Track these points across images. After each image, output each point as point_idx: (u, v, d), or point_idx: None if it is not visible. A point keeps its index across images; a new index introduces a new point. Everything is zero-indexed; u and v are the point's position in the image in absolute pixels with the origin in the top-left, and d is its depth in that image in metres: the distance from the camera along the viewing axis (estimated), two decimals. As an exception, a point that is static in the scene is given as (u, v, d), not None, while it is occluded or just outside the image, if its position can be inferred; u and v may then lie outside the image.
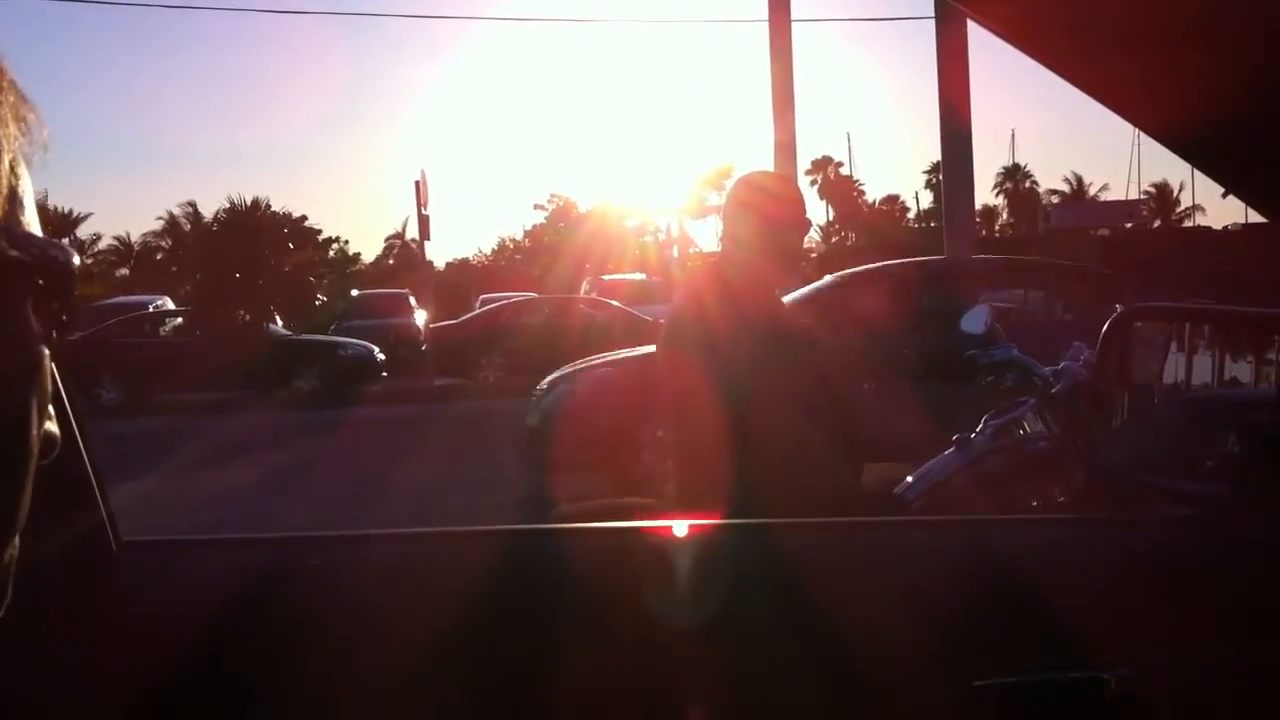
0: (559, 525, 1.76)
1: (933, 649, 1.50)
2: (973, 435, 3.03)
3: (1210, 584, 1.58)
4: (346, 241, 54.32)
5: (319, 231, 48.48)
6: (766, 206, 2.55)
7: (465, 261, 58.83)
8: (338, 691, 1.47)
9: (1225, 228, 28.43)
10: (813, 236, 58.52)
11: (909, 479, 3.20)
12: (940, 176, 19.31)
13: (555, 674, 1.49)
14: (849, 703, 1.50)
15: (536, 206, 61.00)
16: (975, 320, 3.16)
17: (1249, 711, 1.51)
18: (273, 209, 42.03)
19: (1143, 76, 1.21)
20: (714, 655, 1.50)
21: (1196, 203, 59.46)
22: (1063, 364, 2.87)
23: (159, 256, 53.75)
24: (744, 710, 1.50)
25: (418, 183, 18.07)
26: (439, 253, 69.50)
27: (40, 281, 0.56)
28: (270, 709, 1.48)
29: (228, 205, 39.07)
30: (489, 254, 61.85)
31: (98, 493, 1.52)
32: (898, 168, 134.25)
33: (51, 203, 43.66)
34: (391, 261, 55.96)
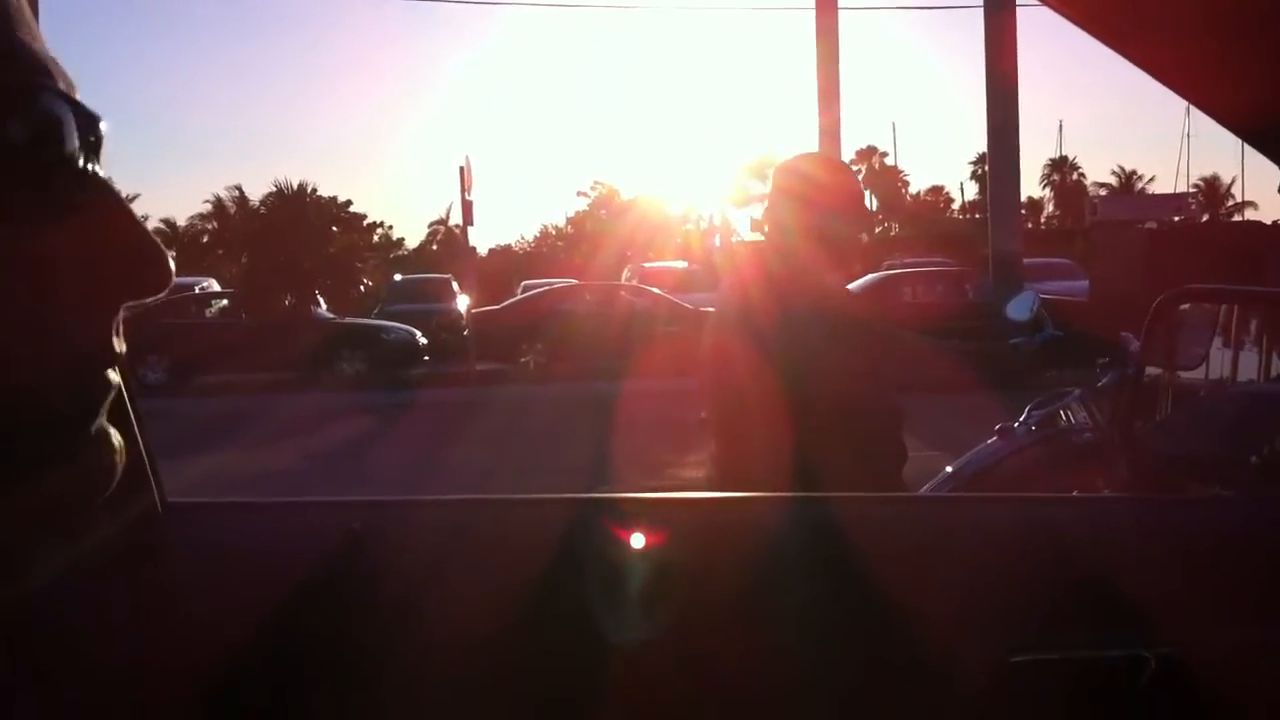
0: (601, 495, 1.76)
1: (970, 623, 1.51)
2: (1016, 425, 3.02)
3: (1253, 564, 1.57)
4: (390, 227, 54.63)
5: (364, 217, 48.88)
6: (806, 191, 2.55)
7: (508, 248, 59.04)
8: (381, 653, 1.48)
9: (1275, 222, 28.05)
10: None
11: (948, 469, 3.19)
12: (986, 167, 19.16)
13: (597, 645, 1.50)
14: (886, 673, 1.51)
15: (579, 194, 61.06)
16: (1021, 306, 3.15)
17: None
18: (319, 194, 42.39)
19: (1212, 58, 1.21)
20: (756, 623, 1.51)
21: (1247, 198, 58.74)
22: (1109, 356, 2.85)
23: (205, 240, 54.22)
24: (783, 676, 1.50)
25: (462, 168, 18.14)
26: (482, 239, 69.80)
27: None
28: (312, 670, 1.49)
29: (274, 190, 39.40)
30: (532, 241, 62.06)
31: (144, 453, 1.53)
32: (943, 158, 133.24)
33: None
34: (435, 247, 56.18)
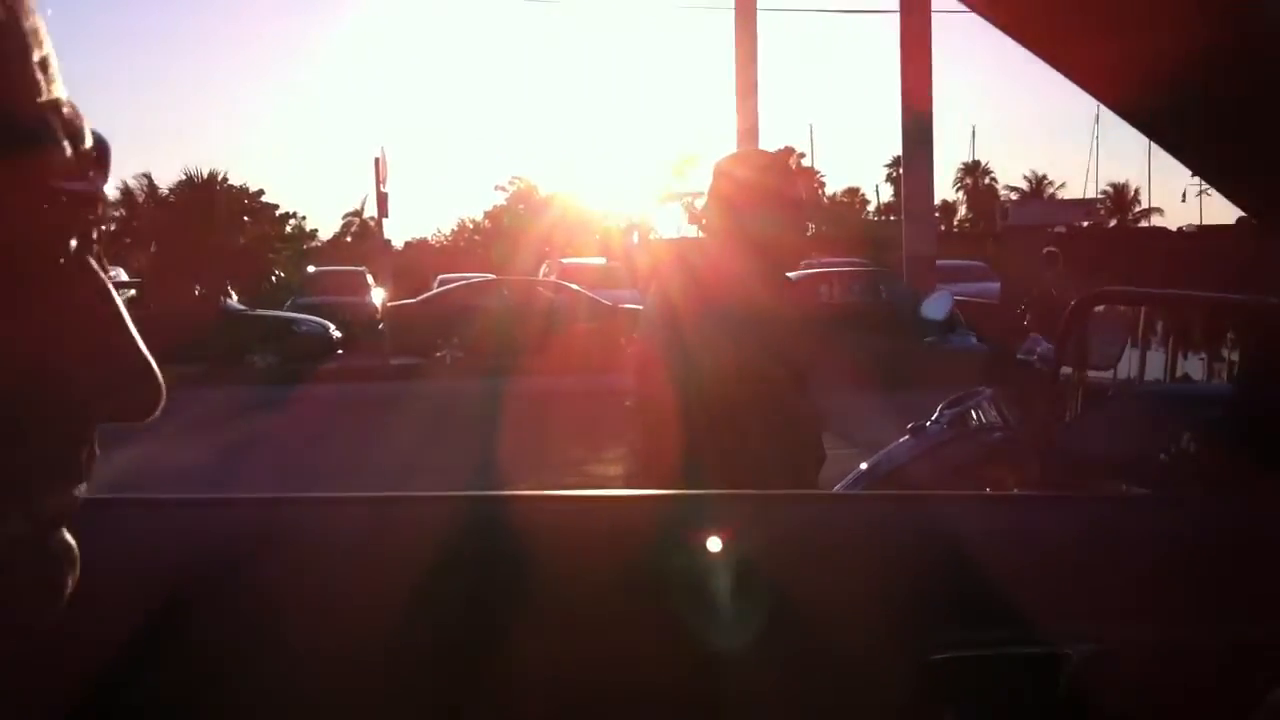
0: (517, 492, 1.74)
1: (889, 623, 1.49)
2: (928, 424, 3.04)
3: (1169, 562, 1.57)
4: (303, 217, 53.82)
5: (276, 207, 48.09)
6: (728, 192, 2.56)
7: (424, 241, 58.55)
8: (295, 652, 1.43)
9: (1179, 229, 28.79)
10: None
11: (863, 465, 3.22)
12: (901, 170, 19.41)
13: (507, 645, 1.47)
14: (803, 674, 1.49)
15: (497, 188, 60.74)
16: (937, 307, 3.19)
17: (1206, 689, 1.51)
18: (230, 183, 41.66)
19: (1121, 57, 1.22)
20: (661, 627, 1.47)
21: (1154, 204, 60.19)
22: (1018, 357, 2.89)
23: (113, 228, 53.00)
24: (693, 681, 1.48)
25: (377, 160, 17.96)
26: (398, 232, 69.22)
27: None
28: (227, 669, 1.43)
29: (184, 178, 38.67)
30: (449, 235, 61.59)
31: None
32: (860, 161, 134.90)
33: None
34: (350, 239, 55.53)
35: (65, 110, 0.49)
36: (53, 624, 0.55)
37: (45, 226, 0.46)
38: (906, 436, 3.10)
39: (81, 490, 0.52)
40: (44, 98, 0.48)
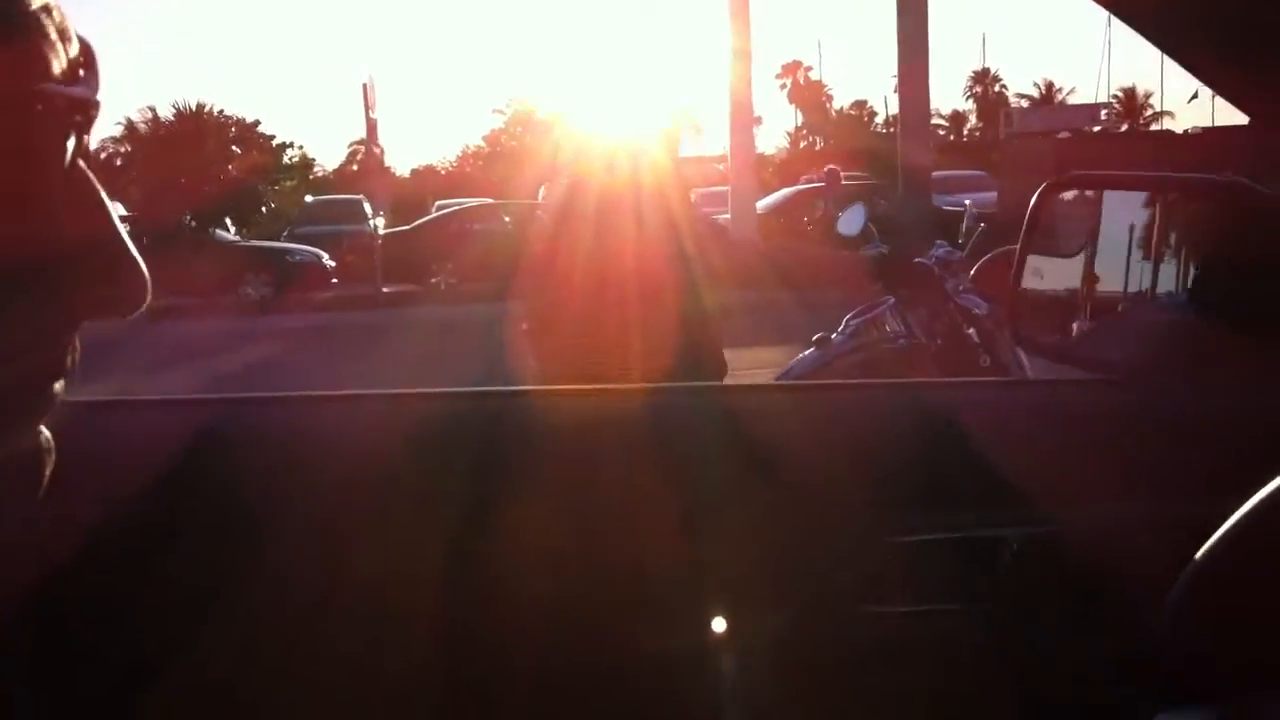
0: (476, 390, 1.73)
1: (847, 508, 1.50)
2: (834, 335, 3.00)
3: (1124, 443, 1.57)
4: (301, 147, 53.49)
5: (272, 137, 47.83)
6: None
7: (431, 168, 58.27)
8: (248, 558, 1.41)
9: (1185, 131, 28.45)
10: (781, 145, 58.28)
11: (773, 380, 3.17)
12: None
13: (484, 536, 1.45)
14: (767, 561, 1.49)
15: (494, 111, 60.25)
16: (851, 222, 3.13)
17: (1157, 563, 1.50)
18: (224, 114, 41.46)
19: None
20: (629, 518, 1.48)
21: (1165, 108, 59.45)
22: (916, 260, 2.83)
23: (118, 163, 52.96)
24: (659, 571, 1.47)
25: (365, 85, 17.81)
26: (405, 159, 69.03)
27: None
28: (199, 569, 1.42)
29: (172, 111, 38.55)
30: (453, 161, 61.23)
31: None
32: (868, 73, 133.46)
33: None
34: (355, 168, 55.34)
35: (55, 14, 0.51)
36: (28, 516, 0.58)
37: (43, 124, 0.48)
38: (812, 349, 3.05)
39: (60, 387, 0.55)
40: (36, 2, 0.49)
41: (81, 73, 0.52)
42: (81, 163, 0.52)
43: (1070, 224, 2.19)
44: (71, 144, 0.51)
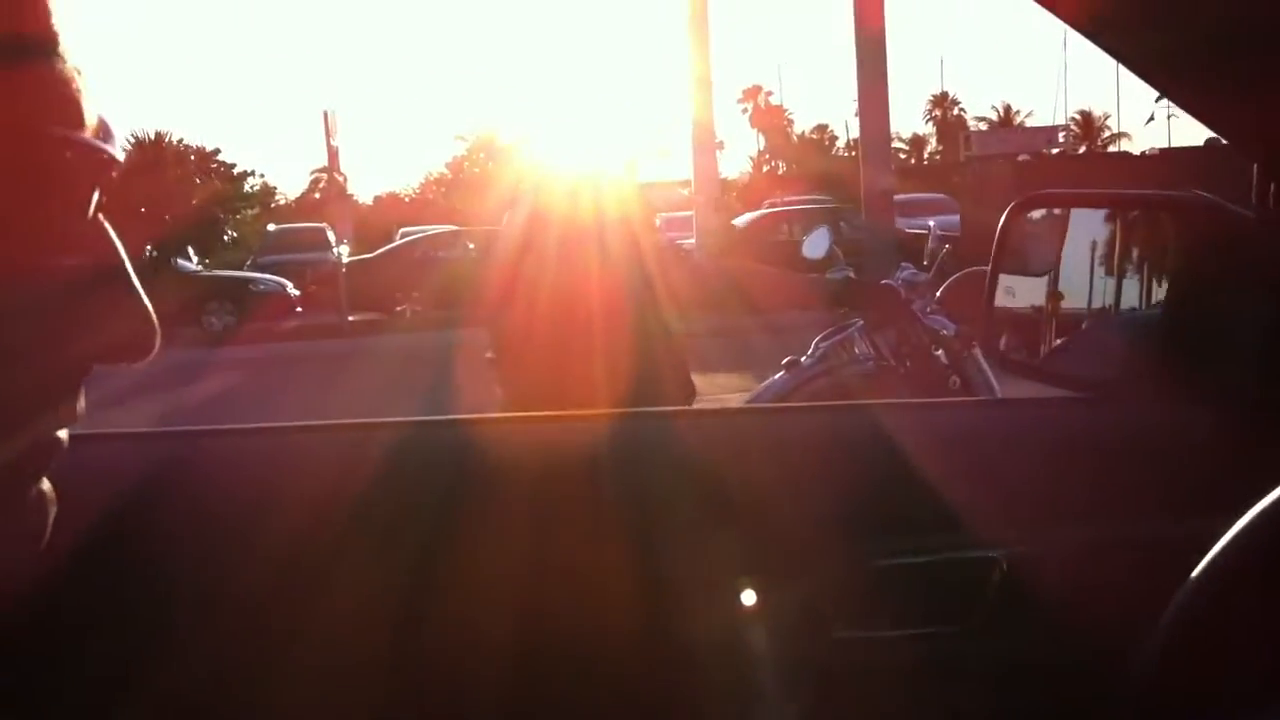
0: (448, 418, 1.73)
1: (829, 532, 1.49)
2: (803, 359, 3.00)
3: (1104, 462, 1.58)
4: (262, 175, 53.28)
5: (233, 165, 47.57)
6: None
7: (394, 195, 58.16)
8: (239, 581, 1.40)
9: (1143, 153, 28.80)
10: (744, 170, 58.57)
11: (743, 403, 3.16)
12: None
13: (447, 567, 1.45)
14: (745, 584, 1.48)
15: (457, 138, 60.21)
16: (816, 245, 3.12)
17: (1143, 584, 1.50)
18: (184, 142, 41.27)
19: None
20: (609, 543, 1.48)
21: (1122, 129, 60.20)
22: (883, 281, 2.84)
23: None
24: (639, 593, 1.47)
25: (325, 113, 17.82)
26: (367, 187, 68.88)
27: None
28: (142, 605, 1.41)
29: (131, 139, 38.38)
30: (416, 188, 61.09)
31: None
32: (828, 98, 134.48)
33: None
34: (318, 195, 55.13)
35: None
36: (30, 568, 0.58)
37: (79, 177, 0.53)
38: (782, 373, 3.05)
39: (65, 435, 0.55)
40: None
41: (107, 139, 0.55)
42: (100, 215, 0.54)
43: (1039, 243, 2.21)
44: (95, 196, 0.53)
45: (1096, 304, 2.22)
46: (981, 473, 1.54)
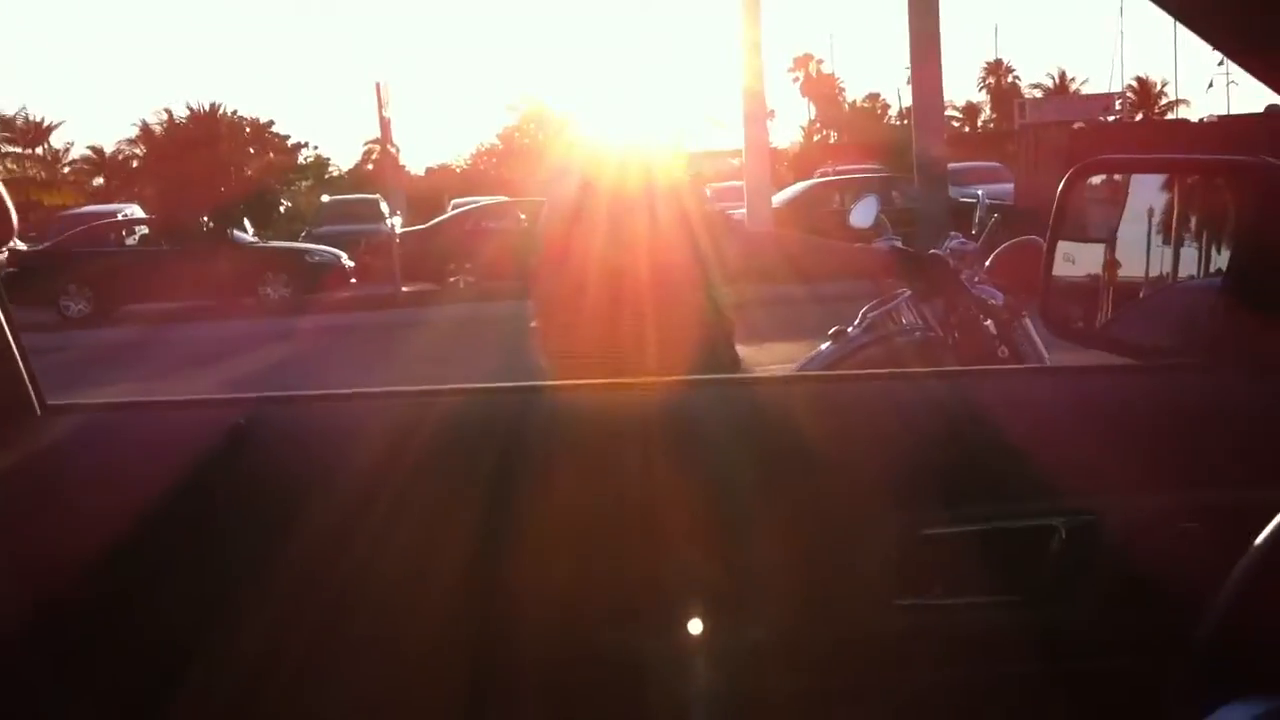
0: (502, 386, 1.75)
1: (880, 500, 1.50)
2: (850, 329, 2.99)
3: (1163, 430, 1.59)
4: (316, 147, 53.46)
5: (287, 137, 47.86)
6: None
7: (446, 166, 58.18)
8: (272, 551, 1.46)
9: (1201, 119, 28.27)
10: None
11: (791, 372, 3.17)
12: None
13: (488, 538, 1.49)
14: (799, 551, 1.50)
15: (509, 108, 60.07)
16: (864, 214, 3.10)
17: (1200, 554, 1.50)
18: (239, 114, 41.55)
19: None
20: (659, 512, 1.51)
21: (1180, 96, 59.07)
22: (931, 251, 2.82)
23: (134, 165, 53.04)
24: (697, 560, 1.50)
25: (378, 84, 17.86)
26: (419, 158, 68.84)
27: None
28: (198, 571, 1.47)
29: (187, 113, 38.71)
30: (468, 159, 61.09)
31: (16, 354, 1.52)
32: (882, 66, 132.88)
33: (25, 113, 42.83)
34: (370, 167, 55.27)
35: None
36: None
37: None
38: (829, 343, 3.05)
39: None
40: None
41: None
42: None
43: (1099, 209, 2.19)
44: None
45: (1156, 271, 2.20)
46: (1040, 441, 1.53)
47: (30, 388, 1.55)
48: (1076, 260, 2.30)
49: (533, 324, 2.56)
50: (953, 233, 3.00)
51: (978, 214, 3.08)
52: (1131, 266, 2.28)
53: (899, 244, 2.83)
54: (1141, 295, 2.14)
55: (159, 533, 1.45)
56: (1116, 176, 2.31)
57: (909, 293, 2.84)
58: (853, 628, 1.52)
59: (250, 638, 1.45)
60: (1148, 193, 2.28)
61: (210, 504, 1.49)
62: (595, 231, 2.36)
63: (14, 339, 1.51)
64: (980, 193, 3.86)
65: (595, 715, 1.55)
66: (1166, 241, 2.26)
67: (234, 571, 1.46)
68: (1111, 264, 2.26)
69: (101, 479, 1.54)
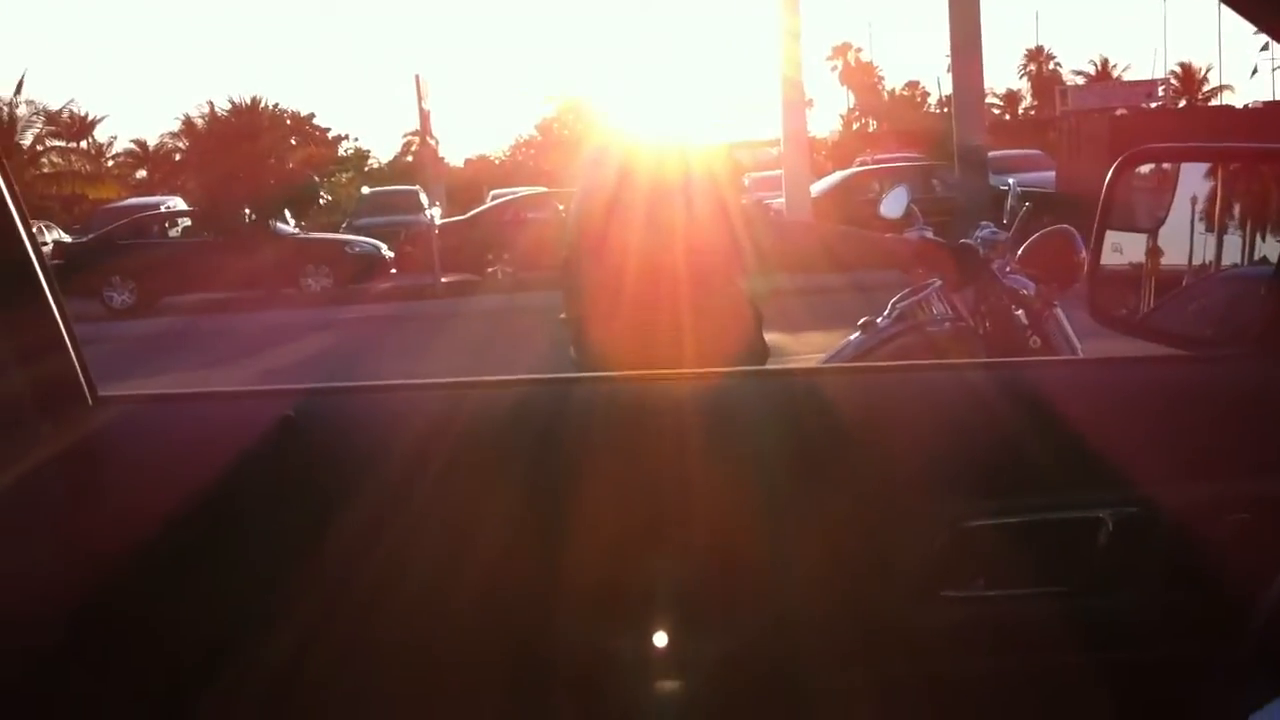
0: (538, 377, 1.75)
1: (920, 493, 1.51)
2: (879, 319, 2.97)
3: (1200, 422, 1.57)
4: (356, 139, 53.78)
5: (327, 129, 48.11)
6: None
7: (484, 158, 58.29)
8: (318, 542, 1.47)
9: (1246, 106, 27.90)
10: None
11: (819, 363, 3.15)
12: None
13: (542, 528, 1.50)
14: (840, 544, 1.50)
15: (547, 99, 60.04)
16: (894, 204, 3.09)
17: (1243, 546, 1.49)
18: (279, 107, 41.82)
19: None
20: (700, 503, 1.51)
21: (1224, 82, 58.32)
22: (961, 241, 2.79)
23: (177, 158, 53.47)
24: (734, 552, 1.50)
25: (417, 76, 17.91)
26: (459, 150, 68.97)
27: None
28: (247, 559, 1.49)
29: (229, 106, 39.00)
30: (507, 150, 61.19)
31: (70, 346, 1.53)
32: (921, 54, 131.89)
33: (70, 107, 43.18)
34: (410, 159, 55.46)
35: None
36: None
37: None
38: (858, 333, 3.03)
39: None
40: None
41: None
42: None
43: (1147, 198, 2.17)
44: None
45: (1206, 260, 2.18)
46: (1083, 432, 1.52)
47: (83, 379, 1.57)
48: (1124, 249, 2.28)
49: (562, 316, 2.56)
50: (984, 221, 2.97)
51: (1009, 202, 3.05)
52: (1180, 255, 2.26)
53: (929, 234, 2.82)
54: (1191, 284, 2.12)
55: (208, 523, 1.47)
56: (1165, 165, 2.28)
57: (939, 282, 2.82)
58: (897, 619, 1.52)
59: (293, 627, 1.47)
60: (1197, 181, 2.26)
61: (259, 495, 1.51)
62: (624, 223, 2.35)
63: (68, 330, 1.53)
64: (1011, 181, 3.82)
65: (629, 706, 1.55)
66: (1217, 230, 2.23)
67: (281, 561, 1.48)
68: (1159, 252, 2.24)
69: (151, 470, 1.55)
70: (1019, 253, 2.88)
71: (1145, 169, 2.29)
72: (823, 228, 4.36)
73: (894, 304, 2.97)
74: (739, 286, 2.48)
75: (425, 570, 1.50)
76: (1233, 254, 2.21)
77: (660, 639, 1.53)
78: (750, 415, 1.59)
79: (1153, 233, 2.38)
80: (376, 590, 1.49)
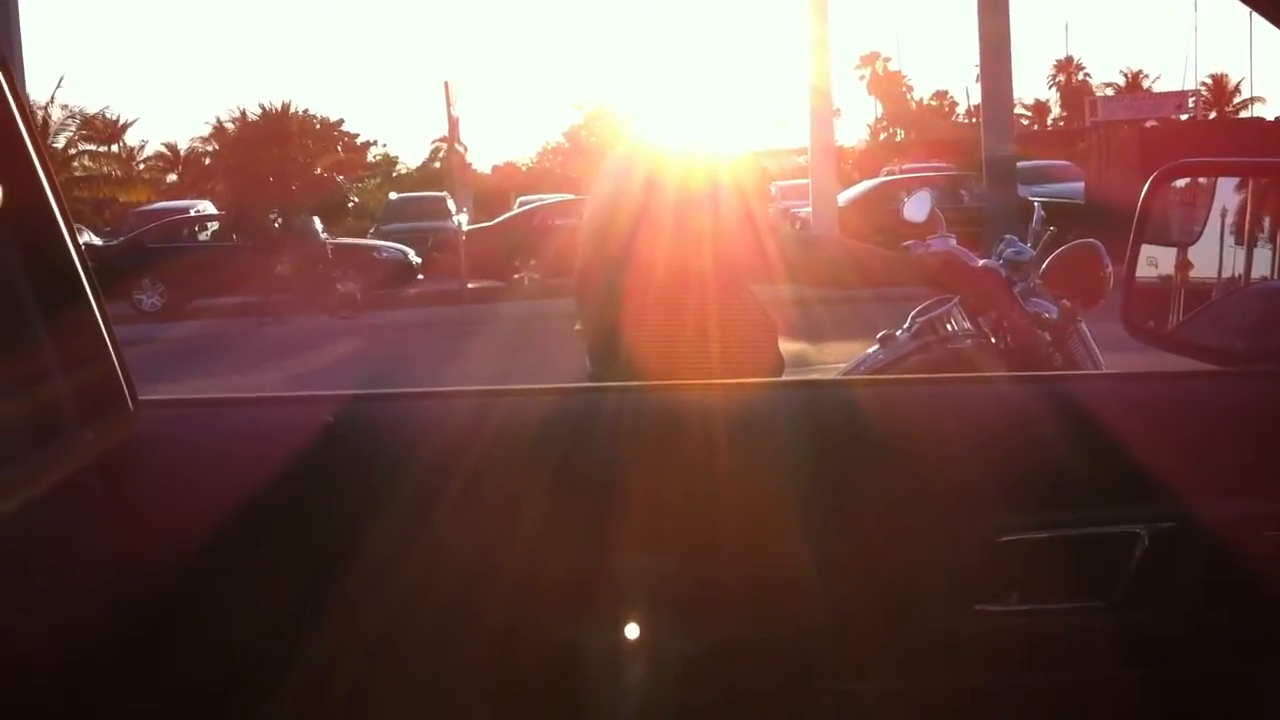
0: (575, 385, 1.75)
1: (954, 507, 1.51)
2: (898, 333, 2.94)
3: (1234, 438, 1.57)
4: (384, 145, 53.95)
5: (356, 135, 48.28)
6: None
7: (512, 164, 58.43)
8: (357, 546, 1.49)
9: (1277, 118, 27.70)
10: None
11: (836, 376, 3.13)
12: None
13: (576, 535, 1.51)
14: (874, 556, 1.51)
15: (574, 106, 60.17)
16: (917, 208, 3.04)
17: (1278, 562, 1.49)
18: (309, 113, 41.96)
19: None
20: (733, 514, 1.51)
21: (1256, 94, 57.90)
22: (982, 262, 2.76)
23: (207, 162, 53.74)
24: (765, 565, 1.51)
25: (446, 83, 18.02)
26: (486, 157, 69.18)
27: None
28: (287, 564, 1.50)
29: (259, 111, 39.17)
30: (534, 157, 61.34)
31: (112, 351, 1.54)
32: (949, 63, 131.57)
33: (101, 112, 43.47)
34: (438, 165, 55.61)
35: None
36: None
37: None
38: (876, 347, 3.00)
39: None
40: None
41: None
42: None
43: (1182, 212, 2.17)
44: None
45: (1242, 274, 2.17)
46: (1116, 446, 1.52)
47: (124, 384, 1.58)
48: (1159, 263, 2.27)
49: (577, 327, 2.54)
50: (1008, 236, 2.94)
51: (1033, 225, 3.01)
52: (1212, 269, 2.25)
53: (954, 241, 2.78)
54: (1223, 298, 2.11)
55: (250, 528, 1.48)
56: (1200, 180, 2.27)
57: (958, 297, 2.79)
58: (930, 631, 1.52)
59: (331, 633, 1.48)
60: (1230, 195, 2.25)
61: (300, 500, 1.52)
62: (642, 232, 2.34)
63: (110, 336, 1.54)
64: (1037, 204, 3.77)
65: (664, 712, 1.56)
66: (1249, 243, 2.22)
67: (321, 567, 1.49)
68: (1191, 266, 2.23)
69: (193, 475, 1.56)
70: (1043, 267, 2.85)
71: (1180, 183, 2.28)
72: (846, 243, 4.33)
73: (914, 316, 2.94)
74: (756, 297, 2.47)
75: (458, 575, 1.51)
76: (1265, 268, 2.21)
77: (686, 647, 1.54)
78: (782, 426, 1.60)
79: (1190, 247, 2.37)
80: (412, 594, 1.50)
